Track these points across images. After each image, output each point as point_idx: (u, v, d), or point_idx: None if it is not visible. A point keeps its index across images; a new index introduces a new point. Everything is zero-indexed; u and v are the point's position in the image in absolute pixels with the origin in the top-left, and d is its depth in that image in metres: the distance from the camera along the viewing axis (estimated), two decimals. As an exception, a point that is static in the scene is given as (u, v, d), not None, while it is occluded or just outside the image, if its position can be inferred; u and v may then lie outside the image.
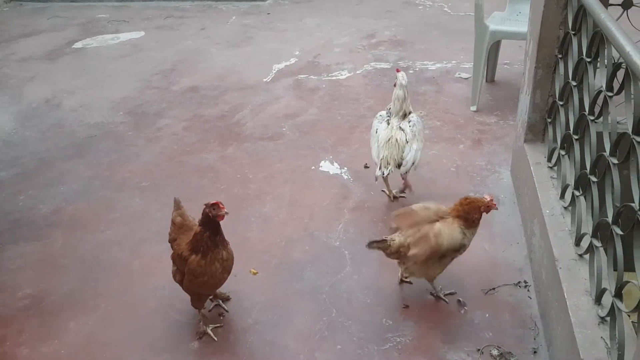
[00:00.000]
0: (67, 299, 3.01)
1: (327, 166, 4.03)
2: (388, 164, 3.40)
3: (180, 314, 2.88)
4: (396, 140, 3.41)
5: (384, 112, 3.59)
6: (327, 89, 5.19)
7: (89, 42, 6.66)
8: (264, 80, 5.44)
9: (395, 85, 3.50)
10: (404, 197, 3.65)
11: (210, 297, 2.87)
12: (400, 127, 3.45)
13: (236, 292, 2.98)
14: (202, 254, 2.48)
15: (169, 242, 2.77)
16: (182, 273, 2.60)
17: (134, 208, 3.69)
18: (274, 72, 5.60)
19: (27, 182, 4.01)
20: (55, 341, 2.76)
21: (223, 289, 2.90)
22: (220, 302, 2.89)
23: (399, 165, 3.42)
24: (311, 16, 7.13)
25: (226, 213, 2.46)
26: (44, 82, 5.62)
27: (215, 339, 2.72)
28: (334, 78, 5.40)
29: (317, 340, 2.70)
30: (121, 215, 3.63)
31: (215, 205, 2.44)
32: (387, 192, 3.67)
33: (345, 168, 4.00)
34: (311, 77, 5.45)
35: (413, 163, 3.43)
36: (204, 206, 2.49)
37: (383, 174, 3.42)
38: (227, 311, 2.87)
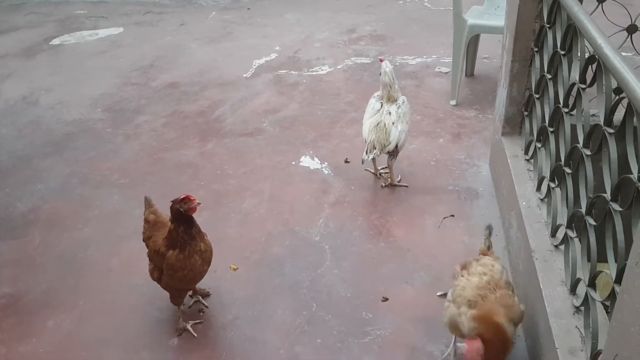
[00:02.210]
0: (45, 297, 2.98)
1: (307, 161, 4.03)
2: (374, 147, 3.46)
3: (160, 311, 2.86)
4: (384, 124, 3.48)
5: (380, 92, 3.63)
6: (307, 84, 5.18)
7: (67, 38, 6.59)
8: (244, 75, 5.42)
9: (380, 74, 3.54)
10: (406, 186, 3.72)
11: (190, 293, 2.86)
12: (388, 112, 3.50)
13: (216, 288, 2.98)
14: (179, 248, 2.48)
15: (144, 240, 2.75)
16: (160, 270, 2.60)
17: (112, 205, 3.67)
18: (254, 67, 5.58)
19: (3, 180, 3.96)
20: (33, 340, 2.74)
21: (203, 285, 2.89)
22: (200, 298, 2.89)
23: (385, 149, 3.50)
24: (291, 11, 7.11)
25: (198, 204, 2.46)
26: (21, 80, 5.54)
27: (195, 335, 2.72)
28: (314, 73, 5.40)
29: (297, 335, 2.70)
30: (99, 212, 3.61)
31: (185, 200, 2.43)
32: (373, 170, 3.79)
33: (326, 163, 4.00)
34: (291, 72, 5.44)
35: (397, 144, 3.47)
36: (172, 203, 2.49)
37: (369, 158, 3.48)
38: (206, 307, 2.86)
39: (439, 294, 2.88)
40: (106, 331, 2.77)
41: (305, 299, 2.91)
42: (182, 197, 2.45)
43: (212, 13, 7.21)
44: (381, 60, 3.61)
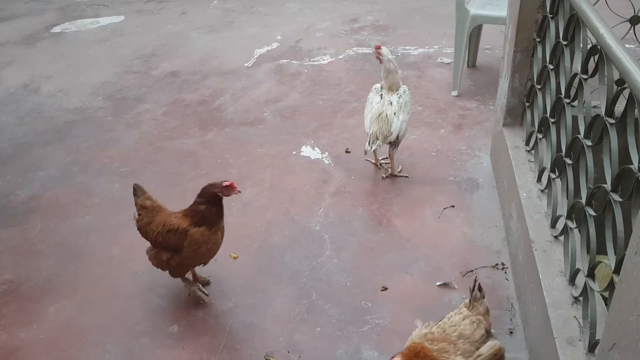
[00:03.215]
0: (45, 284, 2.99)
1: (308, 151, 4.03)
2: (377, 139, 3.46)
3: (160, 298, 2.88)
4: (386, 115, 3.47)
5: (379, 85, 3.61)
6: (308, 74, 5.17)
7: (68, 26, 6.57)
8: (245, 65, 5.41)
9: (381, 62, 3.52)
10: (406, 176, 3.72)
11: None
12: (390, 102, 3.50)
13: (216, 276, 2.99)
14: (207, 225, 2.61)
15: (140, 227, 2.74)
16: (171, 250, 2.63)
17: (113, 193, 3.67)
18: (255, 57, 5.57)
19: (4, 168, 3.97)
20: (34, 326, 2.75)
21: (203, 273, 2.91)
22: (200, 286, 2.89)
23: (387, 139, 3.49)
24: (293, 0, 7.09)
25: (239, 192, 2.62)
26: (22, 67, 5.54)
27: (207, 294, 2.82)
28: (315, 63, 5.38)
29: (296, 323, 2.71)
30: (100, 200, 3.61)
31: (229, 187, 2.58)
32: (374, 160, 3.79)
33: (327, 153, 4.00)
34: (293, 62, 5.43)
35: (398, 135, 3.48)
36: (209, 186, 2.61)
37: (371, 148, 3.48)
38: (207, 295, 2.87)
39: (438, 283, 2.89)
40: (106, 318, 2.78)
41: (305, 287, 2.92)
42: (225, 183, 2.58)
43: (214, 2, 7.18)
44: (378, 47, 3.55)
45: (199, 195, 2.64)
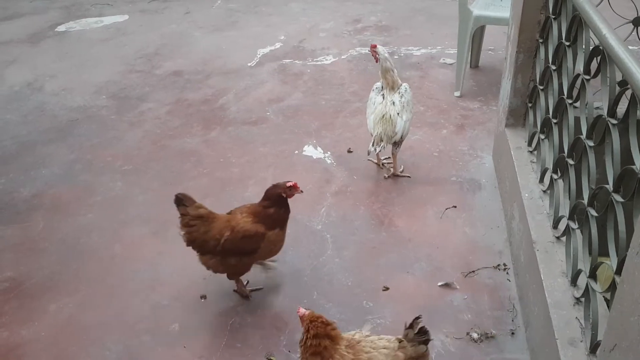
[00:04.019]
0: (47, 281, 3.00)
1: (310, 150, 4.03)
2: (381, 140, 3.46)
3: (161, 297, 2.88)
4: (390, 116, 3.47)
5: (379, 84, 3.61)
6: (311, 73, 5.18)
7: (72, 25, 6.59)
8: (249, 64, 5.41)
9: (377, 61, 3.51)
10: (408, 176, 3.72)
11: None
12: (392, 102, 3.50)
13: (217, 275, 2.98)
14: (280, 227, 2.68)
15: (195, 238, 2.65)
16: (242, 253, 2.65)
17: (115, 192, 3.68)
18: (258, 56, 5.58)
19: (7, 166, 3.98)
20: (35, 324, 2.76)
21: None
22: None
23: (391, 140, 3.51)
24: (296, 1, 7.09)
25: (301, 191, 2.69)
26: (26, 66, 5.55)
27: (262, 287, 2.91)
28: (318, 63, 5.38)
29: (298, 322, 2.69)
30: (102, 199, 3.62)
31: (293, 187, 2.63)
32: (376, 160, 3.80)
33: (329, 152, 4.00)
34: (296, 61, 5.43)
35: (401, 135, 3.50)
36: (273, 187, 2.67)
37: (375, 150, 3.48)
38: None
39: (439, 284, 2.89)
40: (107, 316, 2.79)
41: (307, 286, 2.92)
42: (289, 184, 2.63)
43: (218, 2, 7.19)
44: (374, 46, 3.52)
45: (265, 199, 2.68)
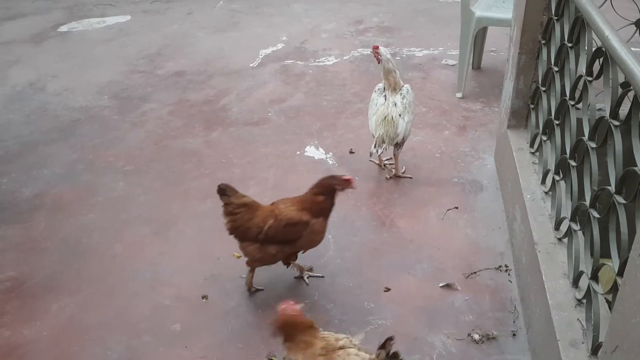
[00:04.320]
0: (49, 281, 3.00)
1: (312, 151, 4.03)
2: (383, 142, 3.47)
3: (162, 297, 2.88)
4: (392, 117, 3.48)
5: (381, 85, 3.61)
6: (313, 74, 5.18)
7: (75, 25, 6.59)
8: (251, 65, 5.42)
9: (379, 62, 3.51)
10: (410, 177, 3.72)
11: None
12: (394, 103, 3.49)
13: (219, 275, 2.99)
14: (324, 216, 2.72)
15: (239, 225, 2.71)
16: (284, 241, 2.69)
17: (117, 192, 3.68)
18: (260, 57, 5.58)
19: (9, 165, 3.98)
20: (37, 323, 2.76)
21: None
22: (309, 273, 3.00)
23: (393, 141, 3.51)
24: (299, 1, 7.09)
25: (354, 188, 2.74)
26: (28, 66, 5.56)
27: (323, 275, 2.96)
28: (320, 64, 5.39)
29: (298, 323, 2.71)
30: (104, 199, 3.62)
31: (348, 181, 2.67)
32: (378, 161, 3.81)
33: (330, 153, 4.00)
34: (298, 62, 5.43)
35: (403, 136, 3.51)
36: (327, 179, 2.71)
37: (378, 152, 3.49)
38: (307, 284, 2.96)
39: (441, 284, 2.89)
40: (108, 316, 2.79)
41: (308, 287, 2.92)
42: (345, 177, 2.68)
43: (220, 2, 7.19)
44: (376, 47, 3.52)
45: (317, 187, 2.71)
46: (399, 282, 2.92)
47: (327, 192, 2.70)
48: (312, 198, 2.70)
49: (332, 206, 2.74)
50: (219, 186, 2.73)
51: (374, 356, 2.01)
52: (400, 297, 2.84)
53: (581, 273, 2.18)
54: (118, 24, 6.58)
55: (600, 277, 2.06)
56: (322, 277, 2.97)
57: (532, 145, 3.15)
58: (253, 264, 2.81)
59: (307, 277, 2.96)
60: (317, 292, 2.88)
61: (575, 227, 2.29)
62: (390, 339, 1.97)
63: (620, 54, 1.90)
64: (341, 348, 2.05)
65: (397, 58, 5.34)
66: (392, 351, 1.96)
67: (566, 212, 2.43)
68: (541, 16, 3.01)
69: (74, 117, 4.60)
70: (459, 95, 4.66)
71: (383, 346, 1.97)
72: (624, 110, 1.97)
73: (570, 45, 2.58)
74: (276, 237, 2.68)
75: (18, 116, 4.64)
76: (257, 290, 2.91)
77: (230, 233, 2.75)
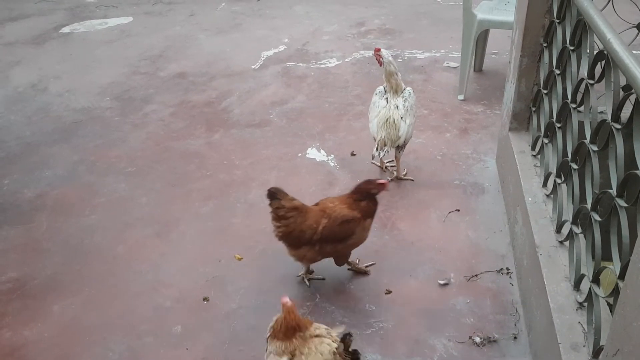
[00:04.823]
0: (50, 282, 3.00)
1: (313, 153, 4.04)
2: (385, 145, 3.48)
3: (164, 298, 2.88)
4: (394, 120, 3.48)
5: (382, 88, 3.61)
6: (315, 76, 5.18)
7: (77, 27, 6.61)
8: (252, 67, 5.43)
9: (381, 65, 3.51)
10: (411, 180, 3.72)
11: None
12: (396, 106, 3.50)
13: (220, 277, 2.99)
14: (370, 217, 2.82)
15: (292, 229, 2.70)
16: (337, 240, 2.74)
17: (119, 193, 3.69)
18: (262, 59, 5.59)
19: (11, 166, 3.99)
20: (38, 324, 2.76)
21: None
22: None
23: (394, 144, 3.52)
24: (301, 4, 7.10)
25: (387, 190, 2.84)
26: (30, 67, 5.57)
27: (375, 262, 3.04)
28: (322, 66, 5.39)
29: (300, 325, 2.71)
30: (106, 200, 3.63)
31: (382, 185, 2.77)
32: (379, 163, 3.82)
33: (332, 155, 4.00)
34: (299, 64, 5.44)
35: (405, 140, 3.51)
36: (364, 183, 2.80)
37: (380, 154, 3.50)
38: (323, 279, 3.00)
39: (440, 281, 2.90)
40: (110, 317, 2.79)
41: (309, 290, 2.92)
42: (380, 181, 2.78)
43: (222, 4, 7.21)
44: (378, 50, 3.52)
45: (356, 193, 2.79)
46: (400, 285, 2.92)
47: (366, 196, 2.79)
48: (355, 203, 2.77)
49: (376, 207, 2.83)
50: (269, 190, 2.72)
51: (339, 348, 2.09)
52: (402, 300, 2.84)
53: (582, 276, 2.18)
54: (120, 26, 6.60)
55: (601, 281, 2.06)
56: (323, 279, 2.97)
57: (533, 148, 3.15)
58: (307, 263, 2.88)
59: (308, 280, 2.96)
60: (319, 294, 2.88)
61: (577, 230, 2.29)
62: (349, 334, 2.03)
63: (622, 57, 1.90)
64: (317, 336, 2.13)
65: (399, 60, 5.35)
66: (351, 348, 2.05)
67: (567, 215, 2.43)
68: (543, 19, 3.01)
69: (75, 118, 4.61)
70: (461, 97, 4.66)
71: (343, 339, 2.04)
72: (625, 113, 1.97)
73: (572, 48, 2.58)
74: (330, 236, 2.72)
75: (20, 117, 4.65)
76: (316, 279, 2.97)
77: (281, 239, 2.74)
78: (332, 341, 2.13)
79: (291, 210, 2.70)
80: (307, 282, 2.95)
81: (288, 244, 2.77)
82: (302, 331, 2.14)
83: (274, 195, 2.70)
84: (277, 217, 2.70)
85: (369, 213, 2.81)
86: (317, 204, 2.85)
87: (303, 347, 2.10)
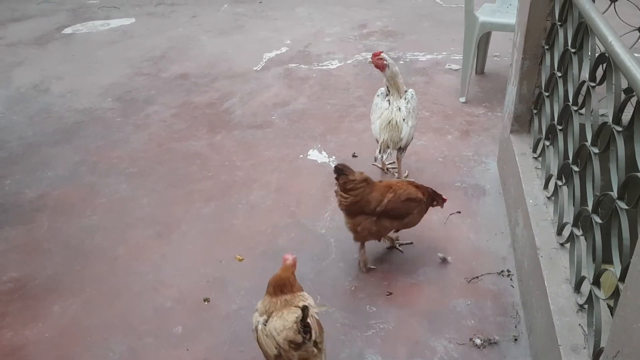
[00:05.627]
0: (51, 282, 3.01)
1: (315, 155, 4.04)
2: (387, 147, 3.48)
3: (164, 299, 2.89)
4: (396, 122, 3.49)
5: (383, 89, 3.62)
6: (317, 78, 5.19)
7: (79, 28, 6.63)
8: (254, 68, 5.43)
9: (382, 70, 3.51)
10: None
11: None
12: (398, 107, 3.51)
13: (221, 278, 3.00)
14: (427, 207, 3.05)
15: (360, 199, 2.85)
16: (396, 217, 2.91)
17: (120, 194, 3.69)
18: (264, 60, 5.59)
19: (13, 167, 4.00)
20: (39, 324, 2.76)
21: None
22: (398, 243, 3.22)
23: (397, 146, 3.53)
24: (303, 5, 7.11)
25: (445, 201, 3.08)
26: (33, 67, 5.58)
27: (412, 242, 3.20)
28: (324, 67, 5.40)
29: (300, 326, 2.71)
30: (107, 200, 3.63)
31: (443, 202, 3.07)
32: (381, 165, 3.83)
33: (334, 157, 4.00)
34: (301, 66, 5.45)
35: (406, 142, 3.52)
36: (436, 193, 3.04)
37: (382, 157, 3.51)
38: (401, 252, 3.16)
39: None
40: (111, 317, 2.79)
41: (310, 291, 2.87)
42: (445, 198, 3.08)
43: (224, 6, 7.22)
44: (377, 55, 3.51)
45: (425, 189, 3.01)
46: (401, 286, 2.92)
47: (430, 195, 3.01)
48: (423, 188, 3.00)
49: (431, 205, 3.04)
50: (335, 166, 2.87)
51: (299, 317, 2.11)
52: (402, 301, 2.84)
53: (583, 278, 2.18)
54: (122, 27, 6.61)
55: (602, 283, 2.05)
56: (411, 243, 3.20)
57: (534, 150, 3.15)
58: (363, 238, 2.97)
59: (399, 245, 3.18)
60: (319, 295, 2.88)
61: (578, 232, 2.29)
62: (305, 307, 2.07)
63: (624, 60, 1.91)
64: (296, 307, 2.19)
65: (401, 62, 5.35)
66: (306, 320, 2.08)
67: (568, 217, 2.43)
68: (545, 22, 3.02)
69: (77, 119, 4.62)
70: (462, 99, 4.67)
71: (303, 309, 2.07)
72: (626, 115, 1.97)
73: (573, 50, 2.59)
74: (392, 211, 2.88)
75: (22, 118, 4.66)
76: (371, 269, 3.03)
77: (346, 208, 2.88)
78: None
79: (361, 182, 2.87)
80: (400, 249, 3.16)
81: (348, 212, 2.90)
82: (289, 292, 2.27)
83: (341, 171, 2.86)
84: (346, 189, 2.85)
85: (430, 202, 3.01)
86: (381, 181, 3.02)
87: (280, 311, 2.21)
